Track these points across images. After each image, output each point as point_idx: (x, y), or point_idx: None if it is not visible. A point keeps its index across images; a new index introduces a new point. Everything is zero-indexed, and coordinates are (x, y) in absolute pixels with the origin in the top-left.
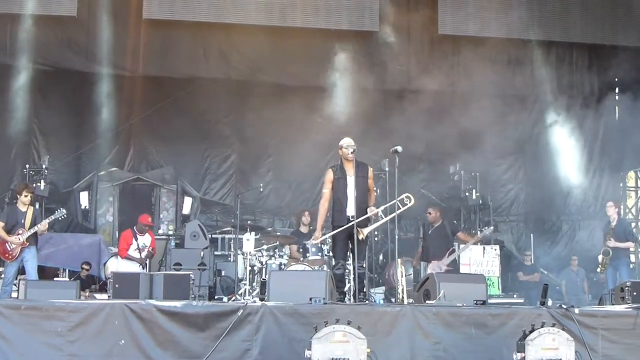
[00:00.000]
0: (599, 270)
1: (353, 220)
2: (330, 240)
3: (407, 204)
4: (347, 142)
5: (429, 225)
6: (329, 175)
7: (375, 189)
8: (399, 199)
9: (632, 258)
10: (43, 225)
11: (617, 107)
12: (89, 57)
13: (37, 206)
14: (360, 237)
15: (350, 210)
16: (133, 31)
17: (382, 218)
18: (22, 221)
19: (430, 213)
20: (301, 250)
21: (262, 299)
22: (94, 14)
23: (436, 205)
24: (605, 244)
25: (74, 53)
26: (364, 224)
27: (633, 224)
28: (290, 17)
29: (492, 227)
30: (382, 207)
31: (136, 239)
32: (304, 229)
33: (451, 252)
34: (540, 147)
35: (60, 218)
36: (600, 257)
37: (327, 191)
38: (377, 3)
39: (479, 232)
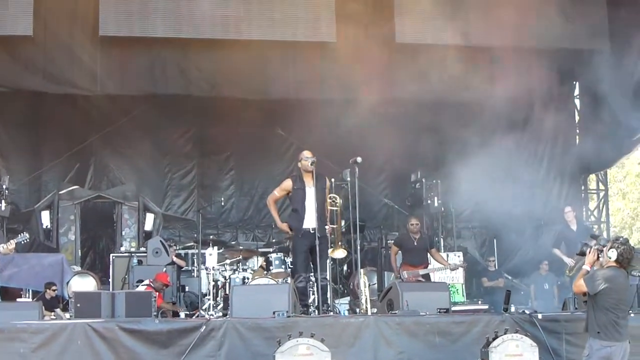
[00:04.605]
0: (568, 272)
1: (314, 233)
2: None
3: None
4: (306, 154)
5: (410, 236)
6: (287, 182)
7: (339, 200)
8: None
9: None
10: (10, 244)
11: (576, 111)
12: (47, 76)
13: None
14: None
15: (311, 222)
16: (90, 49)
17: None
18: None
19: (416, 224)
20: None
21: (225, 314)
22: (50, 33)
23: (401, 214)
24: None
25: (31, 73)
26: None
27: (595, 227)
28: (245, 30)
29: (463, 260)
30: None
31: None
32: None
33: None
34: (499, 151)
35: (23, 242)
36: (569, 261)
37: (277, 194)
38: (333, 14)
39: (451, 258)
